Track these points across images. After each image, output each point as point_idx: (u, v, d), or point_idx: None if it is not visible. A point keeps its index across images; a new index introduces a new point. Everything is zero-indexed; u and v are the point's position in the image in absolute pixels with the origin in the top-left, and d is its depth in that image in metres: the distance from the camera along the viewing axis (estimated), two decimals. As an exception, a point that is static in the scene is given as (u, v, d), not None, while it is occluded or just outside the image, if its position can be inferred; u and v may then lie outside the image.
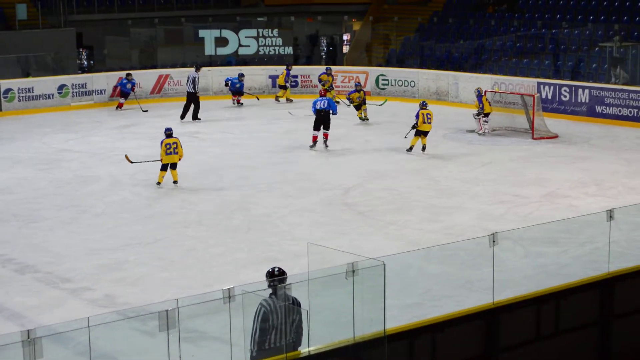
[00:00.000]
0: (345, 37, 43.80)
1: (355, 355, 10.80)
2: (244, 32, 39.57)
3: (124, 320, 11.17)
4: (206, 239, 18.51)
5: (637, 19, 34.90)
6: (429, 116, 25.84)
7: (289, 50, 39.79)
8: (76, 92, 34.75)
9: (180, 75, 36.44)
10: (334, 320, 11.50)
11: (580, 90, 31.93)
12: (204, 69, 35.63)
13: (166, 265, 16.89)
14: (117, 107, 34.20)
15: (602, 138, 28.36)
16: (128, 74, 34.35)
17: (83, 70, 38.93)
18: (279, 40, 39.55)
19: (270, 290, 10.61)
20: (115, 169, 24.47)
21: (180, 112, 31.96)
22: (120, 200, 21.52)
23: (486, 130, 28.82)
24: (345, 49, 42.98)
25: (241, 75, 35.11)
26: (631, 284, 13.33)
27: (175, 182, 22.50)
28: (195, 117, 31.99)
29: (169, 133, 22.79)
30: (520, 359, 12.31)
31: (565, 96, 32.07)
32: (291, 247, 17.53)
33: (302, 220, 19.56)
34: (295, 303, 10.57)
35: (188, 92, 32.05)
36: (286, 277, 10.73)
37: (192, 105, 31.92)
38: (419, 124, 25.80)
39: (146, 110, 33.31)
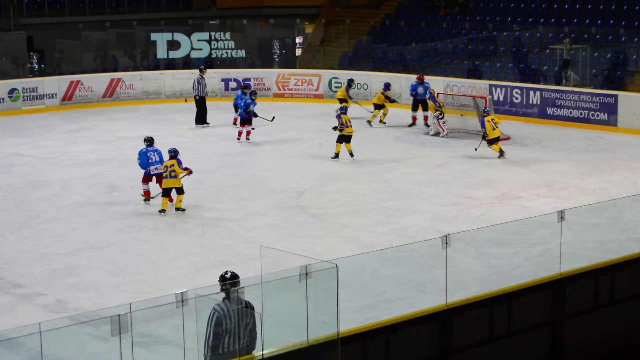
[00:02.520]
0: (298, 40, 43.77)
1: (309, 358, 10.80)
2: (196, 35, 39.43)
3: (77, 326, 11.10)
4: (159, 243, 18.44)
5: (587, 21, 35.21)
6: (494, 121, 25.94)
7: (242, 53, 39.72)
8: (27, 96, 34.46)
9: (132, 79, 36.30)
10: (287, 323, 11.51)
11: (531, 92, 32.16)
12: (158, 72, 35.59)
13: (119, 270, 16.80)
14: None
15: (553, 139, 28.58)
16: (244, 87, 31.16)
17: (34, 74, 38.57)
18: (232, 44, 39.47)
19: (223, 294, 10.60)
20: (67, 173, 24.31)
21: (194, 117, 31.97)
22: (72, 204, 21.36)
23: (447, 132, 28.98)
24: (298, 51, 42.94)
25: (252, 93, 29.28)
26: (582, 284, 13.46)
27: (178, 209, 20.46)
28: (203, 121, 31.88)
29: (171, 155, 20.49)
30: (473, 360, 12.40)
31: (516, 98, 32.29)
32: (245, 251, 17.50)
33: (256, 224, 19.53)
34: (249, 307, 10.56)
35: (196, 97, 31.90)
36: (239, 281, 10.72)
37: (198, 108, 31.87)
38: (488, 132, 25.76)
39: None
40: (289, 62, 41.40)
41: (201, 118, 31.75)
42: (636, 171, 24.19)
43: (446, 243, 12.01)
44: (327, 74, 37.38)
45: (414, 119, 31.00)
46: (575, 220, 15.00)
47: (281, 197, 21.60)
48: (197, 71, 32.87)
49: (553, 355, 13.22)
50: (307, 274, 10.91)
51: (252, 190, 22.34)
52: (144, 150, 20.95)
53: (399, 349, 11.62)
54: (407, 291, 14.25)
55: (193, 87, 31.93)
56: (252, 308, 10.54)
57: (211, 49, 39.37)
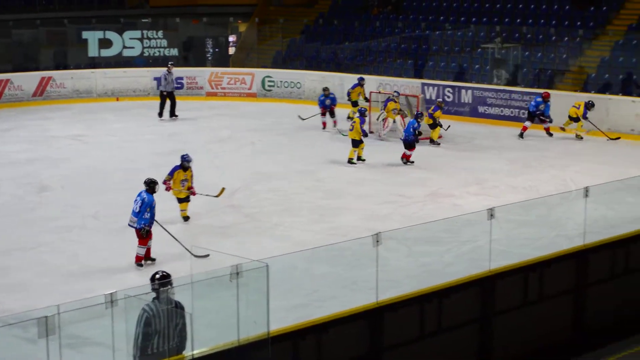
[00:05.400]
0: (231, 38, 43.63)
1: (240, 358, 10.77)
2: (128, 34, 39.15)
3: (4, 327, 10.94)
4: (90, 244, 18.27)
5: (518, 20, 35.55)
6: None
7: (174, 51, 39.51)
8: (-43, 94, 33.98)
9: (62, 78, 35.92)
10: (218, 323, 11.46)
11: (463, 91, 32.41)
12: (89, 70, 35.34)
13: (49, 271, 16.61)
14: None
15: (485, 138, 28.83)
16: (325, 89, 30.95)
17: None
18: (164, 42, 39.26)
19: (153, 295, 10.53)
20: (-4, 172, 24.02)
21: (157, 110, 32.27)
22: (2, 204, 21.10)
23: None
24: (231, 50, 42.81)
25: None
26: (511, 281, 13.58)
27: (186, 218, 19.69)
28: (172, 114, 32.17)
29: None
30: (404, 358, 12.43)
31: (448, 97, 32.51)
32: (176, 250, 17.38)
33: (188, 223, 19.43)
34: (179, 307, 10.50)
35: (163, 92, 32.24)
36: (170, 281, 10.65)
37: (169, 102, 32.18)
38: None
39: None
40: (222, 60, 41.26)
41: (168, 111, 32.20)
42: (566, 169, 24.47)
43: (377, 241, 12.03)
44: (260, 72, 37.33)
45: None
46: (505, 218, 15.12)
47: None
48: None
49: (482, 351, 13.32)
50: (237, 273, 10.88)
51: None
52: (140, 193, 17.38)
53: (330, 348, 11.63)
54: (339, 290, 14.27)
55: (160, 83, 32.03)
56: (182, 308, 10.49)
57: (143, 48, 39.12)
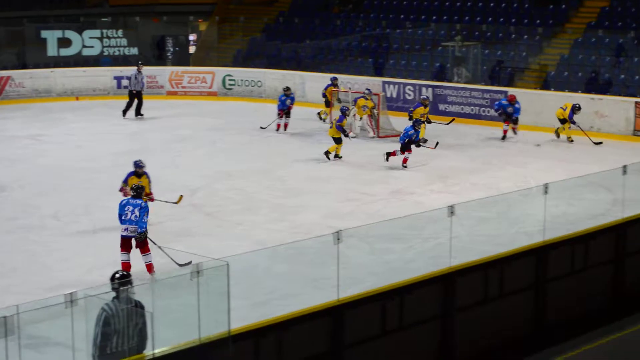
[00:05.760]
0: (192, 37, 43.51)
1: (201, 357, 10.73)
2: (87, 33, 38.96)
3: (-37, 329, 10.84)
4: (50, 244, 18.12)
5: (478, 18, 35.70)
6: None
7: (134, 51, 39.34)
8: None
9: (21, 77, 35.66)
10: (179, 322, 11.41)
11: (423, 89, 32.49)
12: (49, 70, 35.13)
13: (8, 271, 16.47)
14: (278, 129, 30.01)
15: (445, 135, 28.85)
16: (286, 88, 30.37)
17: None
18: (124, 41, 39.08)
19: (113, 294, 10.47)
20: (-46, 173, 23.78)
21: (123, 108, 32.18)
22: (-40, 205, 20.93)
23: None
24: (192, 49, 42.68)
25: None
26: (472, 278, 13.62)
27: None
28: (138, 113, 32.10)
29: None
30: (366, 355, 12.44)
31: (409, 95, 32.60)
32: (137, 250, 17.28)
33: (149, 222, 19.30)
34: (139, 306, 10.45)
35: (130, 91, 32.20)
36: (130, 280, 10.59)
37: (130, 101, 32.08)
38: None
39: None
40: (182, 59, 41.11)
41: (134, 110, 32.13)
42: (526, 166, 24.60)
43: (338, 239, 12.02)
44: (220, 71, 37.25)
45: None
46: (466, 215, 15.15)
47: (174, 196, 21.38)
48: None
49: (444, 348, 13.35)
50: (198, 272, 10.83)
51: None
52: (123, 202, 16.35)
53: (291, 346, 11.61)
54: (300, 288, 14.24)
55: (130, 82, 31.86)
56: (142, 307, 10.44)
57: (103, 47, 38.92)
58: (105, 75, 36.65)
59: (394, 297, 12.72)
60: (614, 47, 31.64)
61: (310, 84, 34.75)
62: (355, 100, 29.00)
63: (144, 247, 15.89)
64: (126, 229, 15.97)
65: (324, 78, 34.23)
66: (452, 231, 13.60)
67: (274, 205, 20.82)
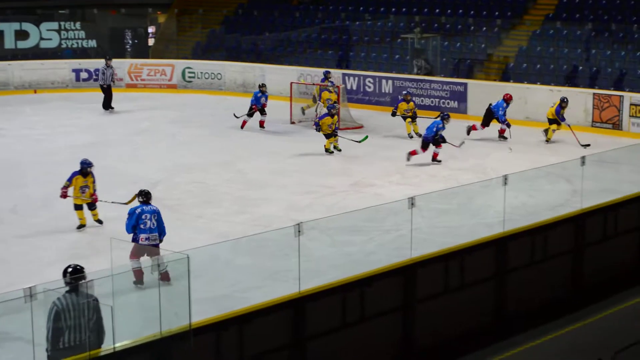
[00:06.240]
0: (151, 29, 43.28)
1: (162, 350, 10.70)
2: (45, 25, 38.64)
3: None
4: (8, 238, 17.98)
5: (437, 10, 35.79)
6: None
7: (93, 43, 39.08)
8: None
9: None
10: (140, 316, 11.38)
11: (384, 81, 32.56)
12: (6, 63, 34.87)
13: (-34, 266, 16.34)
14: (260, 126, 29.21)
15: (405, 127, 28.91)
16: (262, 85, 29.65)
17: None
18: (82, 33, 38.82)
19: (70, 288, 10.40)
20: None
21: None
22: None
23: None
24: (151, 41, 42.45)
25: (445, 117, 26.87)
26: (432, 269, 13.67)
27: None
28: (108, 106, 31.90)
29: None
30: (327, 347, 12.45)
31: (369, 87, 32.65)
32: (97, 243, 17.23)
33: (109, 216, 19.21)
34: (93, 300, 10.33)
35: (102, 85, 31.95)
36: (84, 274, 10.51)
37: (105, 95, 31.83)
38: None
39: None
40: (141, 52, 40.88)
41: (107, 104, 31.83)
42: (485, 158, 24.71)
43: (298, 231, 12.02)
44: (180, 64, 37.10)
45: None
46: (426, 207, 15.21)
47: (134, 189, 21.24)
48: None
49: (405, 339, 13.40)
50: (159, 265, 10.81)
51: (104, 182, 21.90)
52: (137, 210, 15.24)
53: (252, 339, 11.60)
54: (262, 280, 14.25)
55: (99, 77, 31.56)
56: (97, 301, 10.33)
57: (61, 39, 38.64)
58: (63, 68, 36.36)
59: (355, 289, 12.74)
60: (571, 38, 31.85)
61: (270, 76, 34.67)
62: (320, 94, 28.98)
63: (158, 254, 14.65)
64: (147, 239, 14.91)
65: (284, 70, 34.32)
66: (413, 223, 13.64)
67: (235, 198, 20.79)
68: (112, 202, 18.56)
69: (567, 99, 26.89)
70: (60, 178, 22.04)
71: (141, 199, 15.37)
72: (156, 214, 15.09)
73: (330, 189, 21.53)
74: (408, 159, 23.94)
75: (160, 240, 15.06)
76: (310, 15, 38.74)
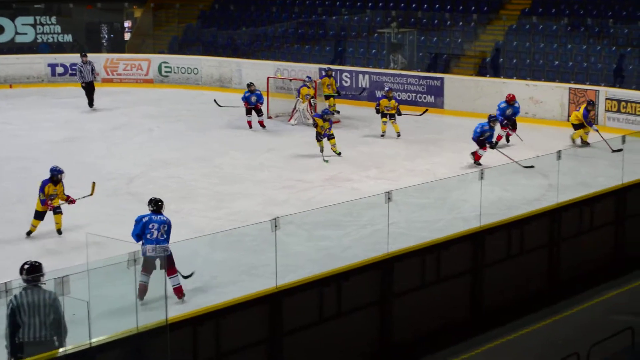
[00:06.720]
0: (127, 24, 43.12)
1: (138, 345, 10.67)
2: (20, 20, 38.43)
3: None
4: (-16, 233, 17.92)
5: (414, 5, 35.81)
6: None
7: (68, 38, 38.91)
8: None
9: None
10: (116, 311, 11.34)
11: (360, 76, 32.58)
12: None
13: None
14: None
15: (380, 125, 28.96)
16: (250, 84, 28.50)
17: None
18: (58, 28, 38.65)
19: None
20: None
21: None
22: None
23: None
24: (127, 36, 42.30)
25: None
26: (409, 264, 13.69)
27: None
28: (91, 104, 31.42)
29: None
30: (304, 342, 12.45)
31: (346, 81, 32.63)
32: (74, 238, 17.17)
33: (85, 211, 19.12)
34: (51, 298, 10.22)
35: (82, 84, 31.24)
36: (42, 272, 10.45)
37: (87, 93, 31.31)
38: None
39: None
40: (117, 46, 40.71)
41: (91, 101, 31.33)
42: (462, 152, 24.70)
43: (275, 226, 12.01)
44: (156, 58, 36.97)
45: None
46: (403, 201, 15.24)
47: (111, 184, 21.25)
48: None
49: (382, 333, 13.42)
50: (135, 260, 10.77)
51: (81, 178, 21.84)
52: (145, 219, 14.29)
53: (229, 334, 11.59)
54: (238, 275, 14.25)
55: (78, 75, 31.08)
56: (56, 300, 10.23)
57: (36, 34, 38.45)
58: (39, 62, 36.18)
59: (332, 284, 12.74)
60: (547, 33, 31.95)
61: (246, 70, 34.65)
62: (299, 90, 28.92)
63: (171, 267, 13.82)
64: (153, 250, 13.84)
65: (261, 65, 34.28)
66: (390, 217, 13.65)
67: (212, 193, 20.75)
68: (83, 197, 18.12)
69: (593, 102, 25.93)
70: (37, 173, 21.95)
71: (151, 208, 14.38)
72: (166, 224, 14.09)
73: (307, 183, 21.52)
74: (475, 163, 22.98)
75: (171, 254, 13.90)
76: (286, 10, 38.69)
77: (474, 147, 23.25)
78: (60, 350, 10.16)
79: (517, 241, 15.46)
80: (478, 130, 23.19)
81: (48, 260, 15.35)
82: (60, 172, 17.67)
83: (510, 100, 25.53)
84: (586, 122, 24.97)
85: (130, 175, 22.05)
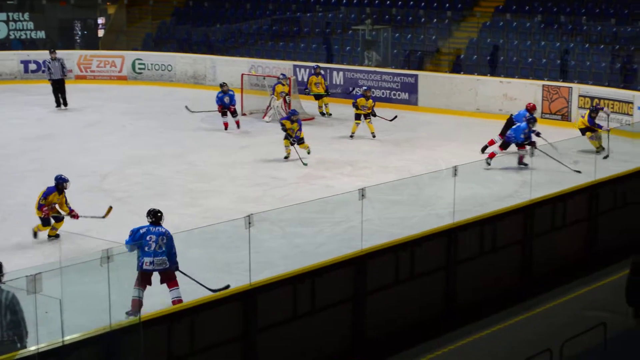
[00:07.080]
0: (100, 20, 42.97)
1: (112, 343, 10.63)
2: (-7, 16, 38.30)
3: None
4: (-44, 231, 17.82)
5: (388, 2, 35.84)
6: None
7: (42, 34, 38.73)
8: None
9: None
10: (89, 309, 11.30)
11: (335, 73, 32.58)
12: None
13: None
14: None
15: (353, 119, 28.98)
16: (223, 84, 27.80)
17: None
18: (31, 24, 38.46)
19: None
20: None
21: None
22: None
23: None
24: (101, 33, 42.14)
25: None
26: (383, 261, 13.70)
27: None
28: (64, 102, 31.08)
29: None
30: (278, 339, 12.45)
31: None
32: (46, 235, 17.11)
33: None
34: (10, 300, 10.17)
35: (49, 81, 30.94)
36: (1, 273, 10.41)
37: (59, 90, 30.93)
38: None
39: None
40: (91, 43, 40.55)
41: (59, 100, 30.93)
42: (436, 149, 24.83)
43: (249, 223, 11.99)
44: (130, 55, 36.85)
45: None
46: (377, 198, 15.27)
47: (85, 181, 21.17)
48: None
49: (355, 330, 13.43)
50: (108, 257, 10.72)
51: (55, 175, 21.77)
52: (142, 230, 13.85)
53: (203, 331, 11.57)
54: (212, 272, 14.25)
55: (46, 72, 30.81)
56: (17, 303, 10.16)
57: (9, 30, 38.24)
58: (12, 59, 36.00)
59: (306, 281, 12.75)
60: (521, 30, 32.07)
61: (221, 67, 34.61)
62: (273, 87, 28.88)
63: (172, 280, 13.58)
64: (151, 262, 13.46)
65: (235, 62, 34.25)
66: (363, 214, 13.66)
67: (185, 190, 20.73)
68: (92, 217, 17.51)
69: (595, 107, 25.12)
70: (9, 170, 21.97)
71: (149, 219, 13.90)
72: (165, 236, 13.58)
73: (281, 180, 21.53)
74: (488, 164, 22.06)
75: (171, 267, 13.60)
76: (261, 7, 38.63)
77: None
78: (32, 348, 10.11)
79: (490, 237, 15.49)
80: (522, 136, 22.27)
81: (20, 257, 15.38)
82: (66, 180, 17.26)
83: (532, 109, 24.11)
84: (595, 126, 24.05)
85: (103, 172, 22.01)
